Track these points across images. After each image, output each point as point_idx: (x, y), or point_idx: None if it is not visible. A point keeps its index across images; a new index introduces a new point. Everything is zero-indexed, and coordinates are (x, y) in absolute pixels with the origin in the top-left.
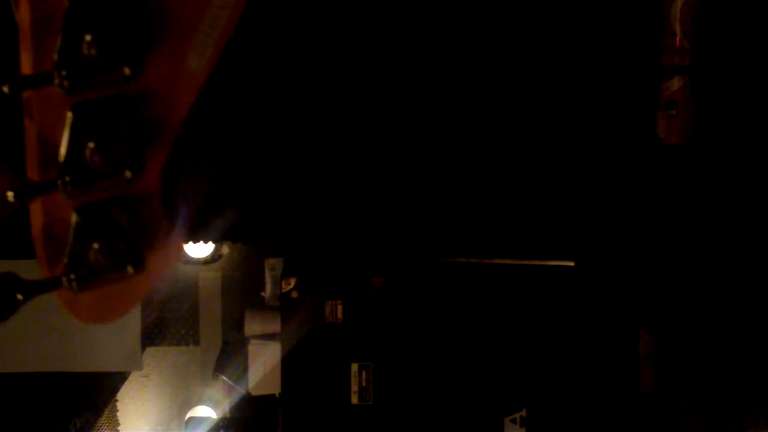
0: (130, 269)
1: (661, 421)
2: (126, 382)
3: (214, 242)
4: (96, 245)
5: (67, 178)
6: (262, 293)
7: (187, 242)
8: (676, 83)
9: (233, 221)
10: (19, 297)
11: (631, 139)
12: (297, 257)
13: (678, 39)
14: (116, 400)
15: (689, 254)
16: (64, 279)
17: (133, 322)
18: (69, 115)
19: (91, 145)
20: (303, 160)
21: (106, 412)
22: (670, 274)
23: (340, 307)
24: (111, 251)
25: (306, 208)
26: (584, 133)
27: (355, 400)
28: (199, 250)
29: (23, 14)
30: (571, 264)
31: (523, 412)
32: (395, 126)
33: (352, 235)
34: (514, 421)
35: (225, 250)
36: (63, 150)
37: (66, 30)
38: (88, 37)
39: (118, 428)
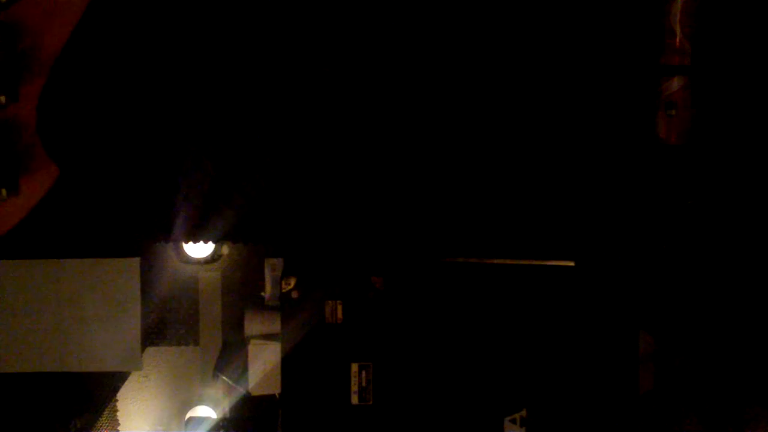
0: (3, 192)
1: (661, 421)
2: (126, 382)
3: (214, 242)
4: None
5: None
6: (262, 293)
7: (187, 242)
8: (676, 83)
9: (233, 221)
10: None
11: (631, 139)
12: (297, 257)
13: (678, 39)
14: (116, 400)
15: (689, 254)
16: None
17: (133, 322)
18: None
19: None
20: (303, 160)
21: (106, 412)
22: (670, 274)
23: (340, 307)
24: None
25: (306, 209)
26: (585, 133)
27: (355, 400)
28: (199, 250)
29: None
30: (571, 264)
31: (523, 412)
32: (395, 127)
33: (352, 235)
34: (514, 421)
35: (225, 250)
36: None
37: None
38: None
39: (118, 428)
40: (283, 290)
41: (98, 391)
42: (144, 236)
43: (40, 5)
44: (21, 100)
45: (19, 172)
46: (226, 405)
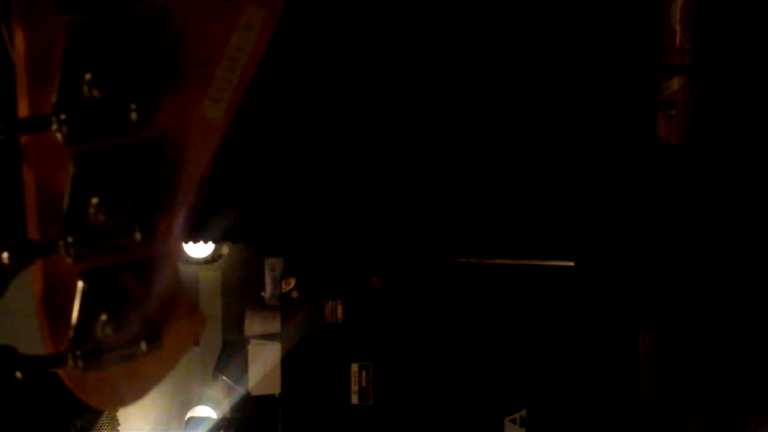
0: (143, 346)
1: (661, 421)
2: None
3: (214, 242)
4: (104, 317)
5: (70, 239)
6: (262, 293)
7: (187, 242)
8: (676, 83)
9: (233, 221)
10: (18, 375)
11: (631, 139)
12: (297, 257)
13: (678, 39)
14: None
15: (689, 254)
16: (69, 355)
17: None
18: (71, 165)
19: (94, 200)
20: (303, 160)
21: (106, 412)
22: (670, 274)
23: (340, 307)
24: (122, 324)
25: (305, 208)
26: (585, 133)
27: (355, 400)
28: (199, 250)
29: (18, 51)
30: (571, 264)
31: (523, 412)
32: (395, 127)
33: (352, 235)
34: (514, 421)
35: (225, 250)
36: (65, 205)
37: (65, 69)
38: (88, 76)
39: (118, 428)
40: (283, 290)
41: None
42: None
43: (177, 123)
44: (160, 236)
45: (160, 321)
46: (226, 405)
